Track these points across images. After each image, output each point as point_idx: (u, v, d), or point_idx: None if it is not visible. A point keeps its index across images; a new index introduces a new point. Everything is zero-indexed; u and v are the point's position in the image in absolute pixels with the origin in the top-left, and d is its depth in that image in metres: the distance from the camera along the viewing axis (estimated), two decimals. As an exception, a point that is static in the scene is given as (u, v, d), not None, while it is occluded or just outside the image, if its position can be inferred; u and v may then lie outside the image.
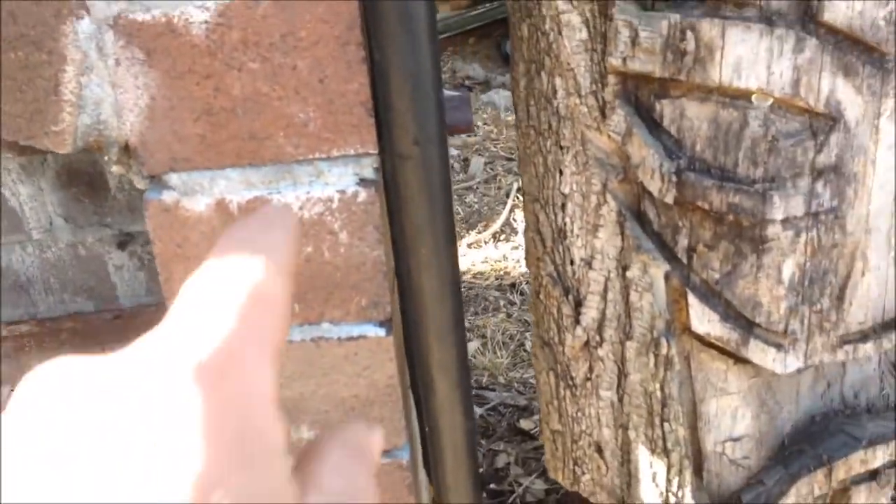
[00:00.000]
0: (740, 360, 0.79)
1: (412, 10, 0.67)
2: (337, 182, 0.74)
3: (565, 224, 0.82)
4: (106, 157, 0.73)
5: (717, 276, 0.75)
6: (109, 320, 1.86)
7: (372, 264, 0.77)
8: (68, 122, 0.69)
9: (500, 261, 2.37)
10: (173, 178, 0.73)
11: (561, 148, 0.79)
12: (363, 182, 0.74)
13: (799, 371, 0.80)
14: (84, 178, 1.75)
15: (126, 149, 0.73)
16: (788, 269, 0.74)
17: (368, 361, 0.81)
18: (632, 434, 0.86)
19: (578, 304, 0.84)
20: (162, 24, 0.67)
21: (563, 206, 0.81)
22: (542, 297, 0.88)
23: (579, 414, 0.89)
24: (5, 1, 0.65)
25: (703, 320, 0.77)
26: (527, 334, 2.01)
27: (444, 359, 0.83)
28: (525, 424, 1.69)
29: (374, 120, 0.72)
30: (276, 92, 0.70)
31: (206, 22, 0.67)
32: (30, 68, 0.67)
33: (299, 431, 0.85)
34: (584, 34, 0.73)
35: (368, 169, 0.74)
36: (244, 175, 0.74)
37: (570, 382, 0.88)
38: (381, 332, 0.80)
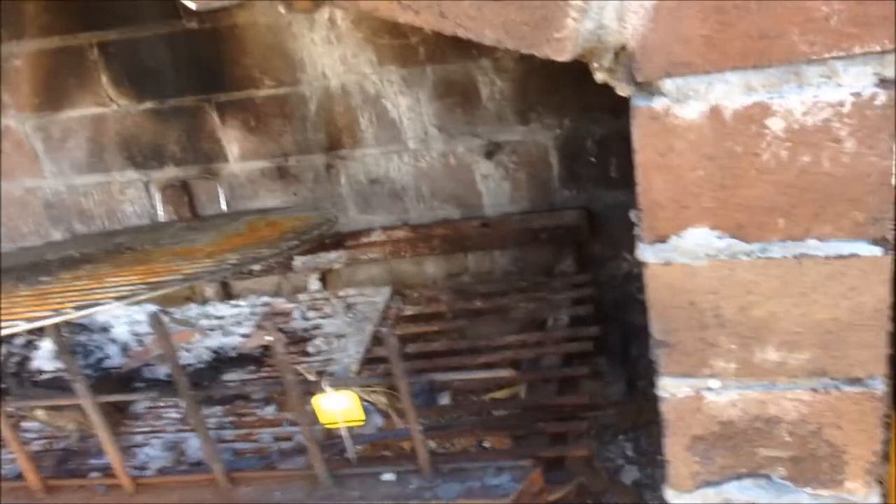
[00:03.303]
0: None
1: None
2: (852, 83, 0.66)
3: None
4: (595, 65, 0.70)
5: None
6: (477, 227, 1.92)
7: (878, 175, 0.69)
8: (571, 28, 0.67)
9: None
10: (667, 84, 0.69)
11: None
12: (884, 83, 0.66)
13: None
14: (458, 88, 1.78)
15: (617, 56, 0.69)
16: None
17: (856, 282, 0.74)
18: None
19: None
20: (679, -85, 0.62)
21: None
22: None
23: None
24: None
25: None
26: None
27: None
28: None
29: (906, 10, 0.63)
30: (799, -17, 0.63)
31: None
32: (538, -28, 0.65)
33: (765, 352, 0.80)
34: None
35: (892, 67, 0.65)
36: (745, 78, 0.68)
37: None
38: (877, 251, 0.72)
